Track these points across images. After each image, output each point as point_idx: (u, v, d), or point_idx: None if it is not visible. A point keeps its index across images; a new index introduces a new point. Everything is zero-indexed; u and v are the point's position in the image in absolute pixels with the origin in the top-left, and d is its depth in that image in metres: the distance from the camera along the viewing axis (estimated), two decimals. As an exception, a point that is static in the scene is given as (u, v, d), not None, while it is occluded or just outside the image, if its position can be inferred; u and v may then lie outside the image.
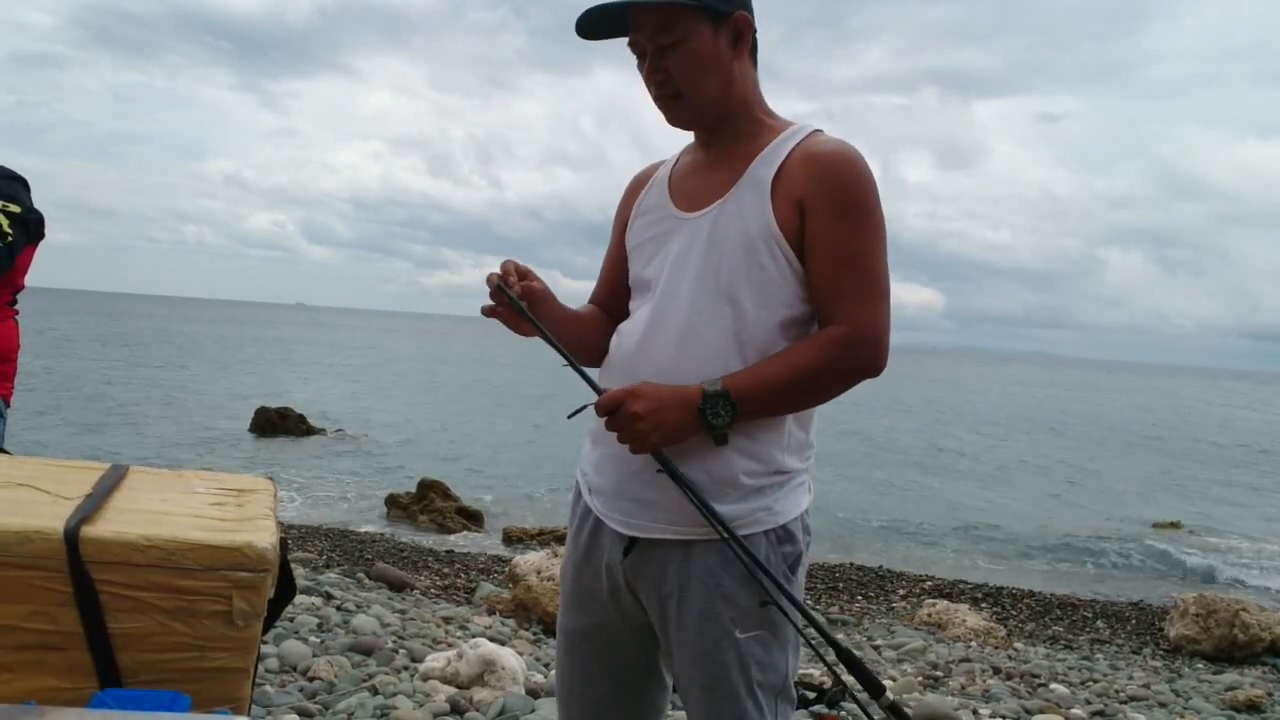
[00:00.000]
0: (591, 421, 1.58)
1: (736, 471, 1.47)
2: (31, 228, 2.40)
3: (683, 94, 1.50)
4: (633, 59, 1.55)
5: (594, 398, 1.46)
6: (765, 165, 1.50)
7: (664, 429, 1.41)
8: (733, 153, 1.54)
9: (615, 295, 1.73)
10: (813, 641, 1.47)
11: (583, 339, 1.66)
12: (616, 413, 1.41)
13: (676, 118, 1.56)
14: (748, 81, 1.55)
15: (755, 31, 1.53)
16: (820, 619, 1.43)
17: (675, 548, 1.48)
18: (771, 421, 1.49)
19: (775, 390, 1.44)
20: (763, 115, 1.57)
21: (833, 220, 1.45)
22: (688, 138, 1.66)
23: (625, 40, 1.54)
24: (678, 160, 1.66)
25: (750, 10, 1.53)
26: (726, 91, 1.52)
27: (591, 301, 1.78)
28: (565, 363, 1.49)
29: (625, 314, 1.67)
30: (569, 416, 1.52)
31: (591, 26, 1.51)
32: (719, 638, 1.45)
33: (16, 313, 2.58)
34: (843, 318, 1.45)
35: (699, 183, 1.57)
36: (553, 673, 4.11)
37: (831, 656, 1.41)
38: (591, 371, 1.54)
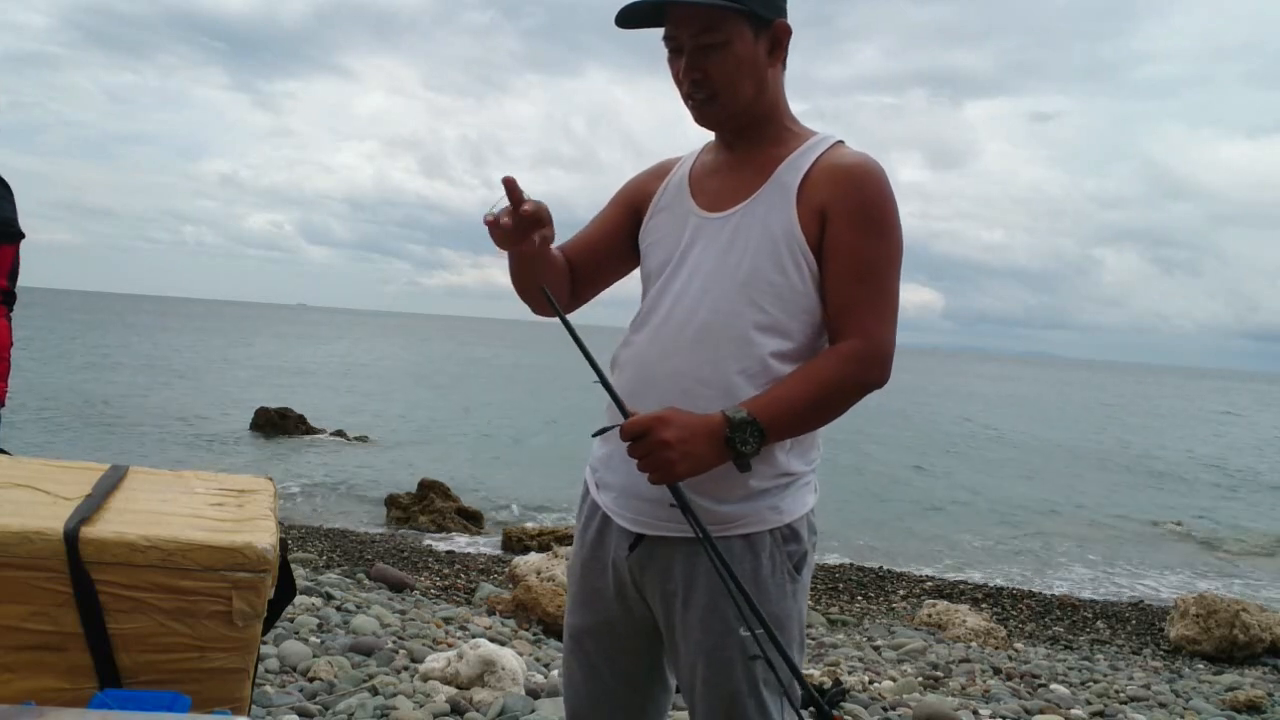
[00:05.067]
0: (603, 419, 1.58)
1: (747, 477, 1.47)
2: None
3: (718, 95, 1.50)
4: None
5: (620, 418, 1.40)
6: (791, 172, 1.51)
7: (691, 459, 1.36)
8: (757, 157, 1.55)
9: (591, 260, 1.68)
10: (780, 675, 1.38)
11: (560, 277, 1.63)
12: (643, 439, 1.35)
13: (706, 118, 1.55)
14: (779, 88, 1.56)
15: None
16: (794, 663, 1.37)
17: (682, 545, 1.49)
18: None
19: (797, 412, 1.43)
20: (789, 123, 1.58)
21: (853, 232, 1.47)
22: (705, 135, 1.64)
23: (660, 33, 1.52)
24: (697, 158, 1.65)
25: (787, 17, 1.53)
26: (759, 97, 1.52)
27: (563, 250, 1.70)
28: (597, 379, 1.43)
29: (588, 280, 1.69)
30: (594, 435, 1.48)
31: (630, 17, 1.50)
32: (723, 635, 1.46)
33: (7, 312, 2.57)
34: (855, 331, 1.46)
35: (722, 184, 1.57)
36: (553, 673, 4.12)
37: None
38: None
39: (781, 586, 1.49)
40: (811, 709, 1.29)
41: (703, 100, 1.51)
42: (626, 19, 1.50)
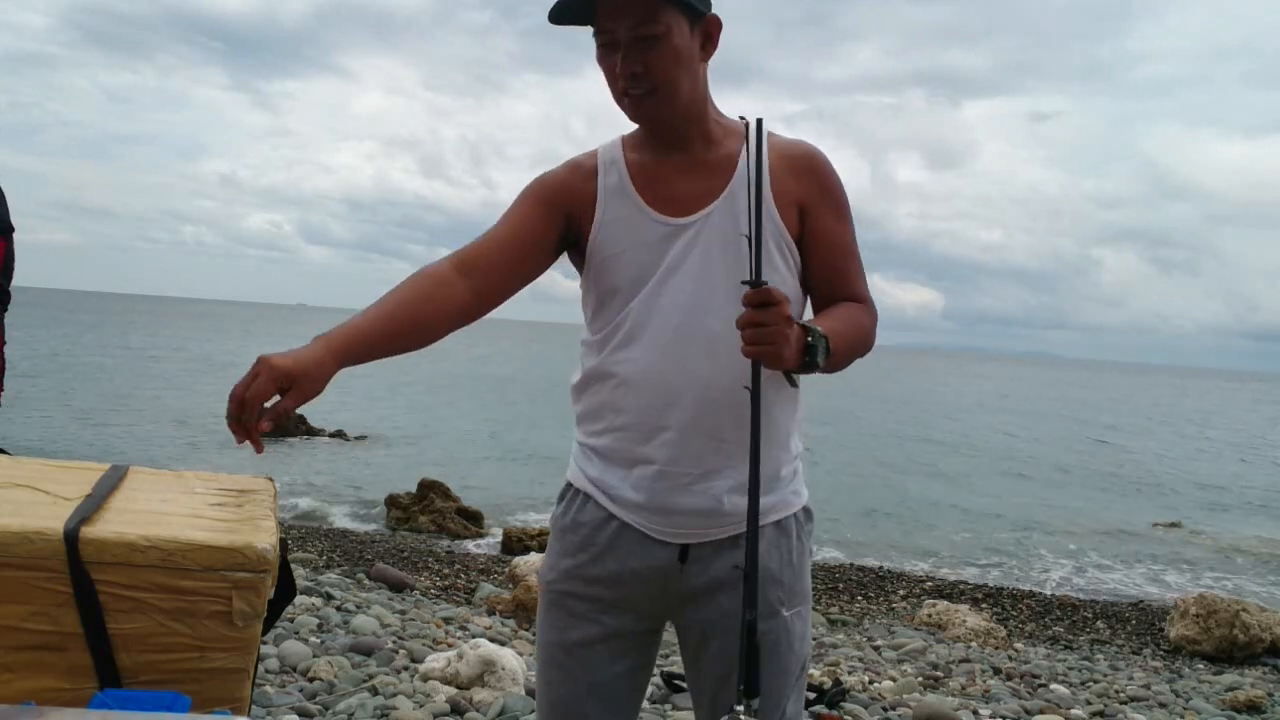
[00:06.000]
0: (606, 439, 1.55)
1: (779, 467, 1.54)
2: None
3: (657, 90, 1.45)
4: None
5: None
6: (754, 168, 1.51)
7: (790, 348, 1.33)
8: (705, 155, 1.53)
9: (511, 264, 1.53)
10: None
11: (419, 316, 1.45)
12: (773, 308, 1.29)
13: (644, 114, 1.49)
14: (706, 83, 1.54)
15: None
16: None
17: (724, 543, 1.51)
18: (793, 408, 1.56)
19: (844, 346, 1.46)
20: (718, 116, 1.57)
21: (833, 219, 1.54)
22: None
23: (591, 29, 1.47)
24: (626, 159, 1.57)
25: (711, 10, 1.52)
26: (694, 91, 1.50)
27: (459, 258, 1.52)
28: (749, 234, 1.33)
29: (504, 286, 1.54)
30: (743, 282, 1.35)
31: (564, 12, 1.45)
32: (770, 618, 1.50)
33: None
34: (858, 298, 1.56)
35: (677, 187, 1.52)
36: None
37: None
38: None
39: (806, 565, 1.59)
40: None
41: (641, 95, 1.46)
42: (560, 14, 1.45)
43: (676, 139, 1.54)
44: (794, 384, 1.45)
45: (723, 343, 1.46)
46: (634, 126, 1.57)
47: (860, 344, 1.52)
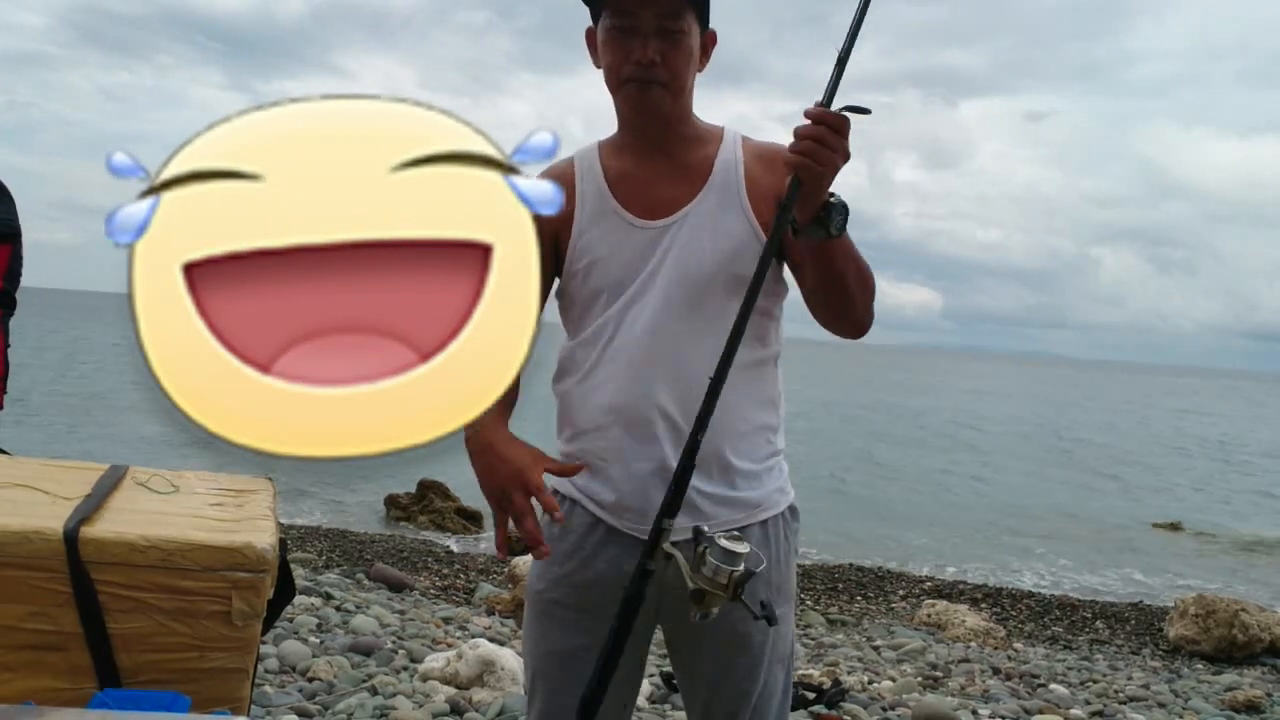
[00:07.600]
0: (588, 444, 1.56)
1: (758, 463, 1.56)
2: None
3: (668, 83, 1.48)
4: None
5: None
6: (729, 169, 1.54)
7: (825, 186, 1.36)
8: (684, 158, 1.56)
9: None
10: None
11: None
12: (844, 133, 1.33)
13: (646, 104, 1.50)
14: (693, 94, 1.57)
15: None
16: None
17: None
18: (772, 406, 1.57)
19: (857, 253, 1.47)
20: (697, 123, 1.59)
21: None
22: (601, 139, 1.62)
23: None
24: (603, 164, 1.58)
25: None
26: (689, 97, 1.54)
27: None
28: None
29: None
30: (817, 103, 1.37)
31: None
32: (753, 620, 1.51)
33: (3, 315, 2.55)
34: None
35: (656, 191, 1.54)
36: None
37: None
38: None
39: (793, 564, 1.61)
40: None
41: (650, 84, 1.47)
42: None
43: (660, 140, 1.55)
44: (795, 232, 1.41)
45: (698, 340, 1.49)
46: (610, 133, 1.59)
47: (866, 273, 1.51)
